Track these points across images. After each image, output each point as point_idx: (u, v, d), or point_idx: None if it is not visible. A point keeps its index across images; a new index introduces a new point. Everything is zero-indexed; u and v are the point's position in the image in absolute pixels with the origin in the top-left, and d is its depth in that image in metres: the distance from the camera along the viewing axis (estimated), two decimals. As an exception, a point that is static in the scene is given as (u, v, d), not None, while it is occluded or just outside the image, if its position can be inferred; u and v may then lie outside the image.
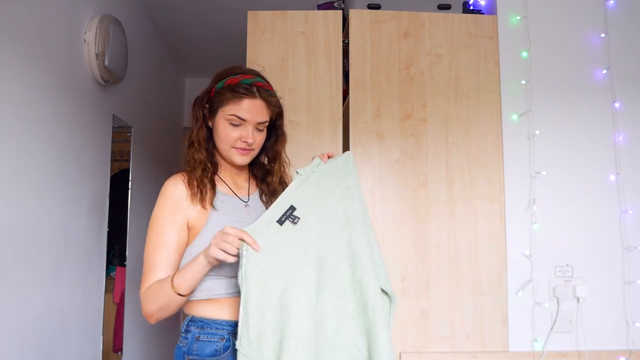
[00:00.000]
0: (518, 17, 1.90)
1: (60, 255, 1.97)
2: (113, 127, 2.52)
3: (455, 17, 1.89)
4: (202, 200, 1.25)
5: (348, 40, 1.87)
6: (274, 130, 1.37)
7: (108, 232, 2.46)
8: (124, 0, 2.69)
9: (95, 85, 2.28)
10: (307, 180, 1.22)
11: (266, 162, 1.43)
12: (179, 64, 4.11)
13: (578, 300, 1.78)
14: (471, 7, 2.00)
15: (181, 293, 1.17)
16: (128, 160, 2.82)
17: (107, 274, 2.49)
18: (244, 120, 1.26)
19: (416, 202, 1.80)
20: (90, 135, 2.26)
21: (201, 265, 1.15)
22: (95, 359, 2.35)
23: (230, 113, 1.25)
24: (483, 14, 1.96)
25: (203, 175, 1.27)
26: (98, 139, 2.35)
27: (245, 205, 1.33)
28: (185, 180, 1.27)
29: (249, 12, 1.87)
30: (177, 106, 4.28)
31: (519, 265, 1.80)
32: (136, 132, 2.91)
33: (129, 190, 2.80)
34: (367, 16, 1.87)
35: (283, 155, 1.40)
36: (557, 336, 1.78)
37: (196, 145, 1.30)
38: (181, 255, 1.25)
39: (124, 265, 2.73)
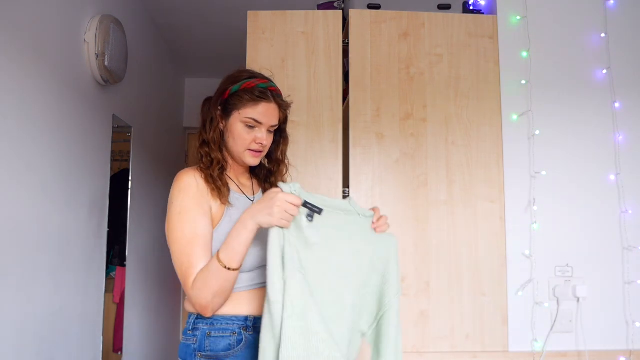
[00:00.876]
0: (518, 17, 1.90)
1: (60, 255, 1.97)
2: (113, 127, 2.52)
3: (455, 17, 1.89)
4: (221, 196, 1.27)
5: (348, 40, 1.87)
6: (279, 132, 1.41)
7: (108, 232, 2.46)
8: (124, 0, 2.69)
9: (95, 85, 2.28)
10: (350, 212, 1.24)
11: (266, 163, 1.46)
12: (179, 64, 4.11)
13: (578, 300, 1.78)
14: (471, 7, 2.00)
15: (233, 267, 1.15)
16: (128, 160, 2.82)
17: (107, 274, 2.49)
18: (260, 123, 1.29)
19: (416, 202, 1.80)
20: (90, 135, 2.25)
21: (250, 231, 1.15)
22: (95, 359, 2.35)
23: (247, 116, 1.28)
24: (483, 14, 1.96)
25: (220, 174, 1.30)
26: (98, 139, 2.35)
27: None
28: (202, 176, 1.28)
29: (249, 12, 1.87)
30: (177, 106, 4.28)
31: (519, 265, 1.80)
32: (136, 132, 2.91)
33: (129, 190, 2.80)
34: (367, 16, 1.87)
35: (282, 157, 1.44)
36: (557, 336, 1.78)
37: (212, 145, 1.32)
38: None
39: (124, 265, 2.73)
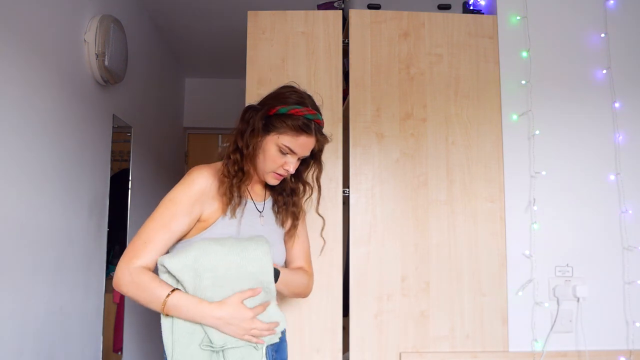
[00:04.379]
0: (518, 17, 1.90)
1: (61, 255, 1.97)
2: (113, 127, 2.52)
3: (455, 17, 1.89)
4: (230, 206, 1.28)
5: (348, 40, 1.87)
6: (313, 157, 1.39)
7: (108, 232, 2.46)
8: (124, 0, 2.69)
9: (95, 85, 2.28)
10: None
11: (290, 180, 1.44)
12: (179, 64, 4.11)
13: (578, 300, 1.78)
14: (471, 7, 2.00)
15: (165, 315, 1.21)
16: (128, 160, 2.82)
17: (107, 274, 2.49)
18: (294, 152, 1.29)
19: (416, 202, 1.80)
20: (90, 135, 2.25)
21: (202, 320, 1.20)
22: (95, 359, 2.35)
23: (284, 143, 1.27)
24: (483, 14, 1.96)
25: (241, 183, 1.29)
26: (98, 139, 2.35)
27: (260, 216, 1.38)
28: (216, 177, 1.29)
29: (249, 12, 1.87)
30: (177, 106, 4.28)
31: (519, 265, 1.80)
32: (136, 132, 2.91)
33: (129, 190, 2.80)
34: (367, 16, 1.87)
35: (313, 183, 1.43)
36: (557, 336, 1.78)
37: (247, 157, 1.29)
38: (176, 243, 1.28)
39: (124, 265, 2.72)
